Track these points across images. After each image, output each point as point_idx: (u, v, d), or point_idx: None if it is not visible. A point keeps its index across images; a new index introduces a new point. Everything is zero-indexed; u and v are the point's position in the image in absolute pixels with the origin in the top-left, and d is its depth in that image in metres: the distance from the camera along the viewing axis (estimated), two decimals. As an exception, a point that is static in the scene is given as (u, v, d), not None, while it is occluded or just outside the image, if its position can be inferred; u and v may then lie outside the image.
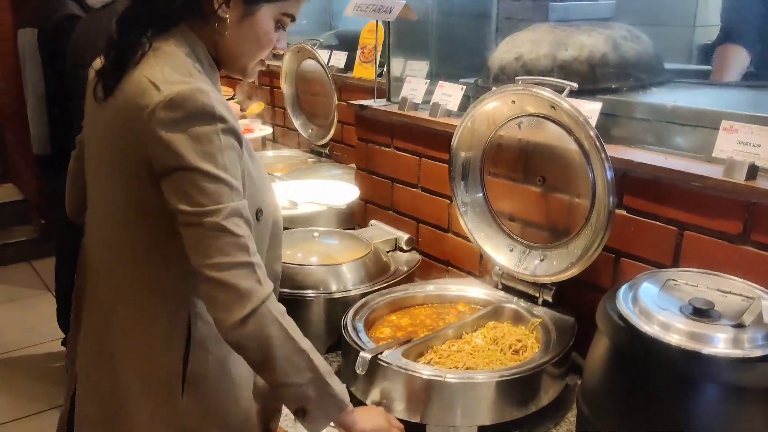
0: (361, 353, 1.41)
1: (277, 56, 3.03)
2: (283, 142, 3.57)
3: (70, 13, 2.76)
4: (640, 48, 1.89)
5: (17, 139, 4.99)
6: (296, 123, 3.18)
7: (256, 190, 1.26)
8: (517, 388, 1.40)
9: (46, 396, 3.23)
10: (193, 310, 1.23)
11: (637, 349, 1.18)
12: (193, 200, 1.10)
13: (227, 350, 1.26)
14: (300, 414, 1.18)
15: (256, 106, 3.52)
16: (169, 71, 1.14)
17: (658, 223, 1.51)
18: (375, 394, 1.43)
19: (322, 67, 2.92)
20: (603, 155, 1.47)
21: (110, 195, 1.25)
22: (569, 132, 1.57)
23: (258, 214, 1.26)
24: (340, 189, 2.42)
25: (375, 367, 1.41)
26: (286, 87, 3.17)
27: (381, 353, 1.43)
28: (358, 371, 1.39)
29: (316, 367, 1.17)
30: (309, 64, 3.06)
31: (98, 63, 1.26)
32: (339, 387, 1.21)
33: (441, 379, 1.36)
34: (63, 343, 3.36)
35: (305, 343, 1.17)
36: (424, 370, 1.38)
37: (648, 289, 1.25)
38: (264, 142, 3.66)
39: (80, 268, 1.39)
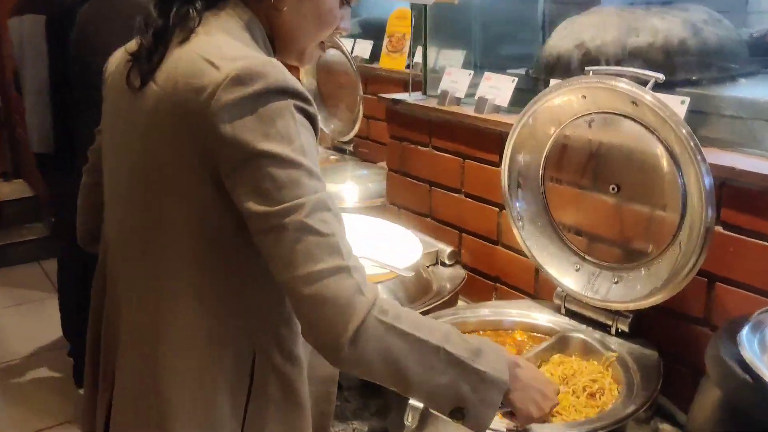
0: (411, 401, 1.17)
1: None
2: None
3: None
4: (722, 33, 1.62)
5: (27, 135, 4.80)
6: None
7: None
8: (600, 444, 1.15)
9: (52, 411, 3.03)
10: (259, 349, 1.00)
11: (764, 407, 0.93)
12: (268, 196, 0.88)
13: (295, 397, 1.04)
14: (458, 416, 0.97)
15: None
16: (226, 47, 0.93)
17: (764, 243, 1.26)
18: (426, 451, 1.19)
19: (346, 57, 2.67)
20: (699, 158, 1.22)
21: (151, 213, 0.99)
22: (653, 132, 1.32)
23: None
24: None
25: (426, 418, 1.17)
26: (306, 79, 2.93)
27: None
28: (406, 423, 1.15)
29: (459, 359, 0.95)
30: (332, 54, 2.81)
31: (132, 45, 1.03)
32: (493, 365, 0.98)
33: (514, 435, 1.12)
34: (69, 354, 3.15)
35: (437, 334, 0.95)
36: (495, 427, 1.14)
37: (779, 333, 1.00)
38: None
39: (107, 307, 1.10)
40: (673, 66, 1.56)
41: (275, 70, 0.90)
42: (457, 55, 2.23)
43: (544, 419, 1.11)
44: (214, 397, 0.97)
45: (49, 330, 3.50)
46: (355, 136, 2.76)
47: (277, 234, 0.88)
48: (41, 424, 2.94)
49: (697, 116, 1.44)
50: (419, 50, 2.20)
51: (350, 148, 2.85)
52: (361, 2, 3.47)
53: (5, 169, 5.24)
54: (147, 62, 0.96)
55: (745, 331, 1.00)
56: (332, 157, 2.91)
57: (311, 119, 0.94)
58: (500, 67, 1.98)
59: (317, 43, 1.07)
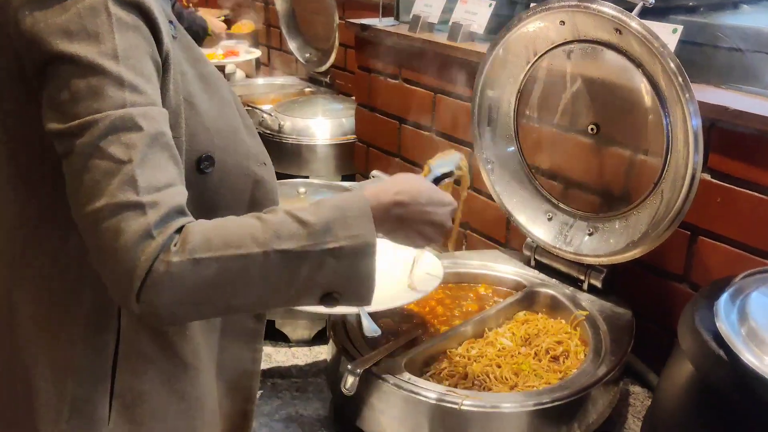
0: (348, 367, 1.05)
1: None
2: (278, 68, 3.14)
3: None
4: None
5: None
6: (292, 46, 2.76)
7: (204, 126, 0.86)
8: (559, 415, 1.04)
9: None
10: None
11: (743, 391, 0.80)
12: (64, 111, 0.72)
13: (178, 357, 0.90)
14: (330, 302, 0.82)
15: (245, 26, 3.07)
16: None
17: (756, 193, 1.11)
18: (370, 419, 1.08)
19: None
20: (687, 96, 1.07)
21: None
22: (638, 65, 1.16)
23: (203, 163, 0.86)
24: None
25: (368, 381, 1.06)
26: (280, 2, 2.72)
27: (376, 364, 1.07)
28: (344, 391, 1.04)
29: (298, 252, 0.77)
30: (307, -24, 2.61)
31: None
32: (352, 231, 0.80)
33: (456, 407, 1.00)
34: None
35: (263, 237, 0.76)
36: (432, 392, 1.02)
37: (763, 302, 0.87)
38: (258, 67, 3.23)
39: None
40: (668, -10, 1.38)
41: None
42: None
43: (433, 240, 0.94)
44: (71, 354, 0.84)
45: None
46: (331, 66, 2.58)
47: (67, 159, 0.72)
48: None
49: (690, 47, 1.27)
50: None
51: (326, 79, 2.67)
52: None
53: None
54: None
55: (723, 299, 0.87)
56: (307, 90, 2.74)
57: (143, 13, 0.76)
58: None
59: None
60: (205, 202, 0.89)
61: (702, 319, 0.88)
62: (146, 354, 0.87)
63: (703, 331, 0.86)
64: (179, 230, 0.73)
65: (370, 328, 1.14)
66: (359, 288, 0.82)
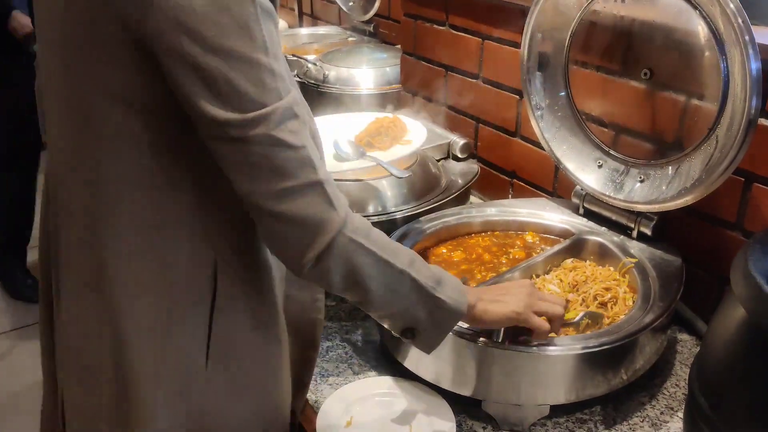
0: None
1: None
2: (321, 17, 3.12)
3: None
4: None
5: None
6: (335, -6, 2.73)
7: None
8: (606, 360, 1.05)
9: None
10: (221, 256, 0.89)
11: (797, 334, 0.80)
12: (226, 100, 0.76)
13: (266, 305, 0.95)
14: (408, 335, 0.95)
15: None
16: None
17: (816, 138, 1.08)
18: (417, 361, 1.11)
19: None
20: (746, 38, 1.04)
21: (78, 104, 0.84)
22: (695, 6, 1.12)
23: None
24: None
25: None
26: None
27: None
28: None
29: (421, 285, 0.91)
30: None
31: None
32: (452, 295, 0.93)
33: (502, 349, 1.01)
34: None
35: (403, 258, 0.90)
36: (479, 335, 1.04)
37: (820, 247, 0.85)
38: (301, 17, 3.22)
39: (46, 219, 0.99)
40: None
41: None
42: None
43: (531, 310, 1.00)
44: (170, 311, 0.87)
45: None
46: (375, 15, 2.56)
47: (240, 145, 0.78)
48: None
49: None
50: None
51: (370, 28, 2.65)
52: None
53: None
54: None
55: (779, 243, 0.85)
56: (351, 39, 2.72)
57: (275, 9, 0.80)
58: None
59: None
60: None
61: (756, 263, 0.87)
62: (237, 304, 0.92)
63: (756, 275, 0.85)
64: (347, 205, 0.86)
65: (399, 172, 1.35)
66: (435, 337, 0.95)
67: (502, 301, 0.99)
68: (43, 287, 1.02)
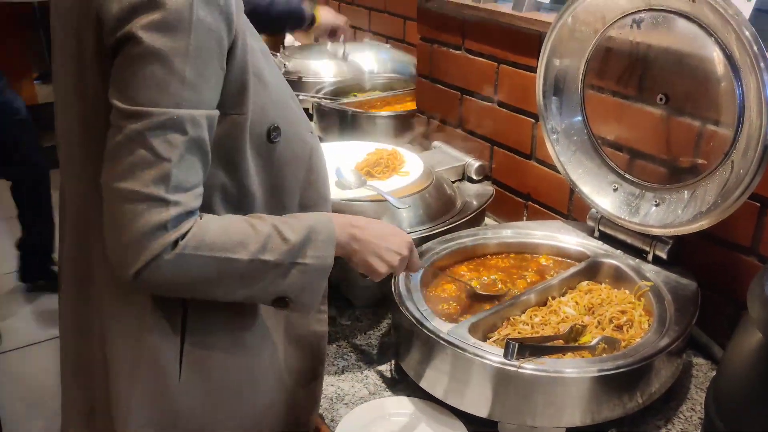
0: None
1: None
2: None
3: None
4: None
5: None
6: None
7: (270, 99, 0.93)
8: (621, 384, 1.05)
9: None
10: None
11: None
12: (124, 90, 0.79)
13: (243, 313, 0.96)
14: (281, 304, 0.95)
15: None
16: None
17: (832, 164, 1.09)
18: (433, 381, 1.11)
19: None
20: (762, 65, 1.05)
21: (68, 106, 0.92)
22: (710, 33, 1.14)
23: (272, 133, 0.94)
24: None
25: (432, 345, 1.09)
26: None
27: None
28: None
29: (276, 263, 0.90)
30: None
31: None
32: (319, 252, 0.93)
33: (518, 370, 1.02)
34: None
35: (252, 246, 0.88)
36: (495, 356, 1.04)
37: (838, 273, 0.86)
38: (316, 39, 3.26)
39: (60, 226, 1.05)
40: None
41: None
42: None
43: (399, 267, 1.06)
44: (144, 314, 0.92)
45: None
46: (391, 38, 2.60)
47: (115, 132, 0.80)
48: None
49: (765, 15, 1.24)
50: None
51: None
52: None
53: (44, 71, 5.20)
54: None
55: (798, 268, 0.86)
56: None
57: (224, 13, 0.82)
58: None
59: None
60: (274, 169, 0.96)
61: (774, 288, 0.87)
62: (212, 311, 0.95)
63: (775, 301, 0.86)
64: (189, 228, 0.82)
65: (398, 202, 1.37)
66: (310, 298, 0.95)
67: (376, 259, 1.02)
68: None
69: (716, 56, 1.14)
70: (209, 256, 0.84)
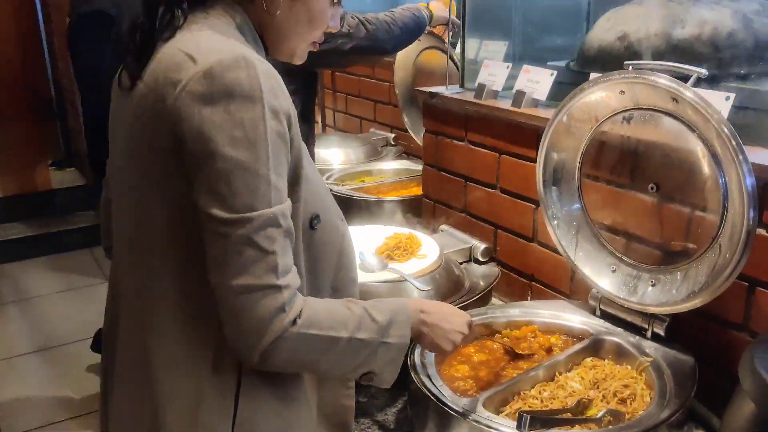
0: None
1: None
2: (345, 129, 3.34)
3: None
4: (775, 24, 1.55)
5: (79, 125, 4.93)
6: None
7: (311, 192, 1.04)
8: (629, 453, 1.12)
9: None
10: None
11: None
12: (222, 200, 0.89)
13: (286, 394, 1.05)
14: (366, 379, 1.07)
15: None
16: (207, 41, 0.94)
17: (811, 247, 1.20)
18: (449, 453, 1.18)
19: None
20: (740, 158, 1.17)
21: (138, 203, 1.01)
22: (693, 130, 1.26)
23: (314, 221, 1.04)
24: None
25: (449, 418, 1.16)
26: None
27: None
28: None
29: (369, 342, 1.02)
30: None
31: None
32: (399, 332, 1.05)
33: (532, 441, 1.09)
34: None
35: (350, 325, 1.00)
36: (508, 428, 1.11)
37: (818, 346, 0.95)
38: (324, 128, 3.44)
39: (111, 291, 1.14)
40: (721, 59, 1.50)
41: (248, 68, 0.89)
42: (499, 47, 2.19)
43: (458, 344, 1.18)
44: (200, 389, 0.98)
45: (98, 315, 3.60)
46: (396, 128, 2.77)
47: (222, 239, 0.89)
48: (88, 407, 3.03)
49: (744, 112, 1.38)
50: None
51: (391, 140, 2.85)
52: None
53: (58, 158, 5.39)
54: (136, 63, 0.98)
55: (781, 343, 0.95)
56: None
57: (287, 119, 0.93)
58: (543, 60, 1.94)
59: (309, 43, 1.08)
60: (312, 253, 1.06)
61: (761, 360, 0.96)
62: (262, 390, 1.01)
63: (762, 372, 0.95)
64: (301, 308, 0.94)
65: (421, 284, 1.47)
66: (391, 372, 1.07)
67: (442, 340, 1.14)
68: (103, 367, 1.15)
69: (700, 150, 1.26)
70: (320, 335, 0.95)
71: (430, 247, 1.70)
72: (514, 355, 1.40)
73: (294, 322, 0.92)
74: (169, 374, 0.99)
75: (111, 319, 1.12)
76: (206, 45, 0.93)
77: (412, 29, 2.18)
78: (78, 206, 4.95)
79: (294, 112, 0.96)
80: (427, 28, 2.27)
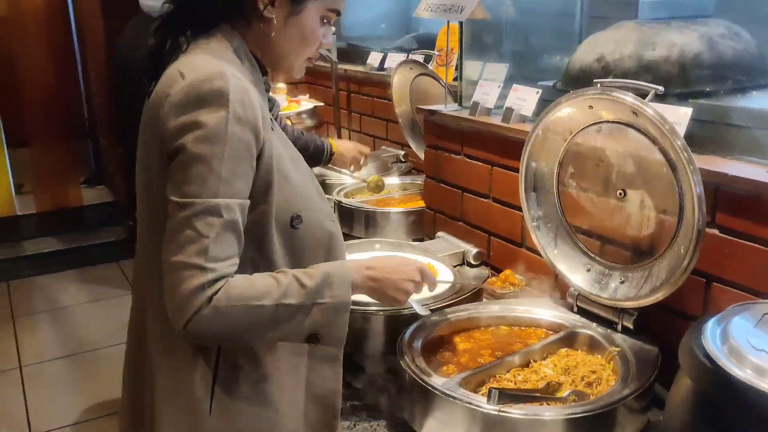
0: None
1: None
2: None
3: None
4: (739, 47, 1.69)
5: (109, 143, 5.17)
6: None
7: (294, 193, 1.20)
8: (590, 426, 1.25)
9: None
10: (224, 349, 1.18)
11: (724, 395, 1.02)
12: (179, 190, 1.06)
13: (266, 369, 1.20)
14: (313, 341, 1.15)
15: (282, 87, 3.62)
16: (199, 61, 1.12)
17: (756, 245, 1.33)
18: (431, 428, 1.32)
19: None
20: (691, 168, 1.31)
21: (145, 202, 1.21)
22: (653, 141, 1.41)
23: (294, 220, 1.20)
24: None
25: (430, 396, 1.30)
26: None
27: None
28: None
29: (299, 305, 1.11)
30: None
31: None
32: (336, 292, 1.14)
33: (498, 413, 1.23)
34: None
35: (274, 293, 1.09)
36: (482, 403, 1.25)
37: (740, 325, 1.09)
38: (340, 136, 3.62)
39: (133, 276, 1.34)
40: (687, 79, 1.64)
41: (221, 80, 1.06)
42: (501, 69, 2.34)
43: (417, 289, 1.29)
44: (184, 359, 1.15)
45: (123, 324, 3.79)
46: (406, 146, 2.93)
47: (170, 219, 1.06)
48: (113, 408, 3.20)
49: (704, 126, 1.52)
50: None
51: (401, 156, 3.01)
52: (416, 18, 3.65)
53: (89, 176, 5.64)
54: (149, 81, 1.17)
55: (709, 324, 1.09)
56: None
57: (251, 127, 1.09)
58: (538, 80, 2.09)
59: (304, 59, 1.24)
60: (296, 250, 1.22)
61: (695, 339, 1.10)
62: (237, 364, 1.18)
63: (696, 350, 1.08)
64: (221, 287, 1.06)
65: (421, 309, 1.52)
66: (337, 332, 1.16)
67: (393, 290, 1.24)
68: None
69: (659, 158, 1.40)
70: (240, 306, 1.07)
71: (445, 275, 1.85)
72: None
73: (210, 299, 1.05)
74: (158, 346, 1.18)
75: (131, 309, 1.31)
76: (196, 64, 1.10)
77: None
78: (106, 222, 5.18)
79: (264, 126, 1.11)
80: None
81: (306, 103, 3.68)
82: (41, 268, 4.74)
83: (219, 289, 1.06)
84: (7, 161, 4.97)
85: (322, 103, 3.72)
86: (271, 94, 2.29)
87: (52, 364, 3.64)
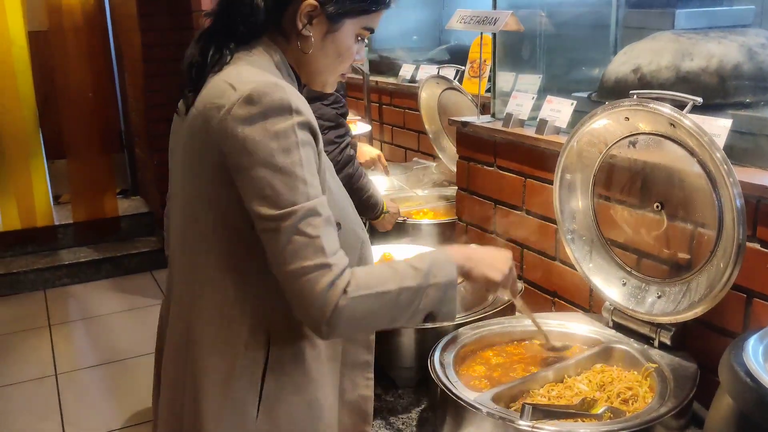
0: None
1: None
2: (391, 159, 3.51)
3: None
4: (780, 57, 1.65)
5: (145, 156, 5.25)
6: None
7: (334, 201, 1.21)
8: (625, 446, 1.22)
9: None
10: (273, 328, 1.18)
11: (767, 414, 0.99)
12: (270, 202, 1.07)
13: (312, 374, 1.21)
14: (430, 320, 1.19)
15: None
16: (246, 73, 1.14)
17: (800, 260, 1.29)
18: (462, 441, 1.30)
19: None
20: (731, 180, 1.28)
21: (188, 209, 1.21)
22: (692, 153, 1.38)
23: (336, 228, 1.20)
24: None
25: (463, 411, 1.29)
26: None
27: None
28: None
29: (417, 288, 1.14)
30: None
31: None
32: (444, 272, 1.18)
33: (532, 430, 1.21)
34: None
35: (397, 278, 1.13)
36: (516, 418, 1.23)
37: (786, 343, 1.05)
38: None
39: (167, 288, 1.35)
40: (727, 90, 1.61)
41: (279, 91, 1.08)
42: (534, 80, 2.32)
43: (508, 278, 1.31)
44: (233, 365, 1.16)
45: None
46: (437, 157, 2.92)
47: (275, 234, 1.07)
48: (146, 417, 3.23)
49: (745, 137, 1.49)
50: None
51: (433, 168, 3.01)
52: (449, 30, 3.65)
53: (125, 187, 5.74)
54: (191, 93, 1.18)
55: (752, 340, 1.06)
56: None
57: (312, 131, 1.12)
58: (572, 92, 2.06)
59: (338, 74, 1.27)
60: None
61: (736, 357, 1.07)
62: (285, 369, 1.19)
63: (737, 367, 1.05)
64: (349, 279, 1.09)
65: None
66: (449, 308, 1.20)
67: (489, 269, 1.28)
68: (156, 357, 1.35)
69: (697, 171, 1.37)
70: (370, 293, 1.10)
71: None
72: (550, 348, 1.53)
73: (345, 290, 1.07)
74: (206, 351, 1.18)
75: (163, 313, 1.32)
76: (244, 76, 1.12)
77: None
78: (141, 232, 5.26)
79: (316, 127, 1.13)
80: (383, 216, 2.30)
81: (363, 125, 3.53)
82: (77, 277, 4.82)
83: (349, 281, 1.09)
84: (47, 172, 5.08)
85: (359, 118, 3.71)
86: None
87: (86, 371, 3.69)
